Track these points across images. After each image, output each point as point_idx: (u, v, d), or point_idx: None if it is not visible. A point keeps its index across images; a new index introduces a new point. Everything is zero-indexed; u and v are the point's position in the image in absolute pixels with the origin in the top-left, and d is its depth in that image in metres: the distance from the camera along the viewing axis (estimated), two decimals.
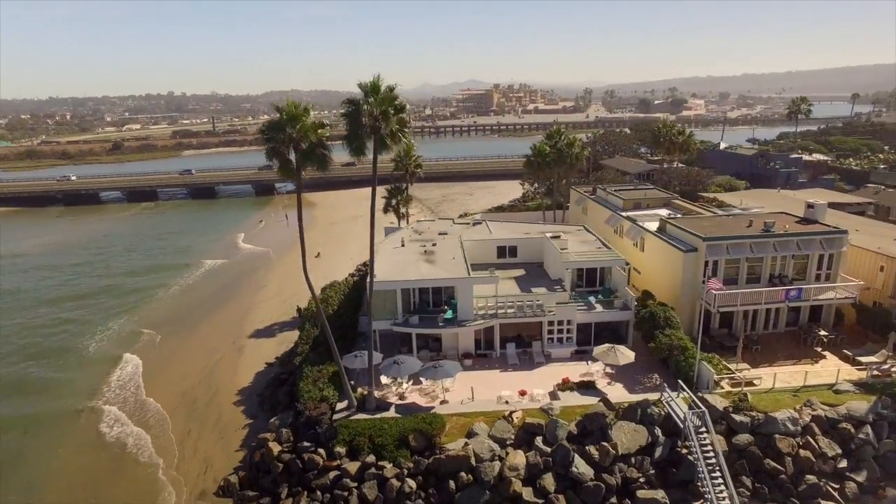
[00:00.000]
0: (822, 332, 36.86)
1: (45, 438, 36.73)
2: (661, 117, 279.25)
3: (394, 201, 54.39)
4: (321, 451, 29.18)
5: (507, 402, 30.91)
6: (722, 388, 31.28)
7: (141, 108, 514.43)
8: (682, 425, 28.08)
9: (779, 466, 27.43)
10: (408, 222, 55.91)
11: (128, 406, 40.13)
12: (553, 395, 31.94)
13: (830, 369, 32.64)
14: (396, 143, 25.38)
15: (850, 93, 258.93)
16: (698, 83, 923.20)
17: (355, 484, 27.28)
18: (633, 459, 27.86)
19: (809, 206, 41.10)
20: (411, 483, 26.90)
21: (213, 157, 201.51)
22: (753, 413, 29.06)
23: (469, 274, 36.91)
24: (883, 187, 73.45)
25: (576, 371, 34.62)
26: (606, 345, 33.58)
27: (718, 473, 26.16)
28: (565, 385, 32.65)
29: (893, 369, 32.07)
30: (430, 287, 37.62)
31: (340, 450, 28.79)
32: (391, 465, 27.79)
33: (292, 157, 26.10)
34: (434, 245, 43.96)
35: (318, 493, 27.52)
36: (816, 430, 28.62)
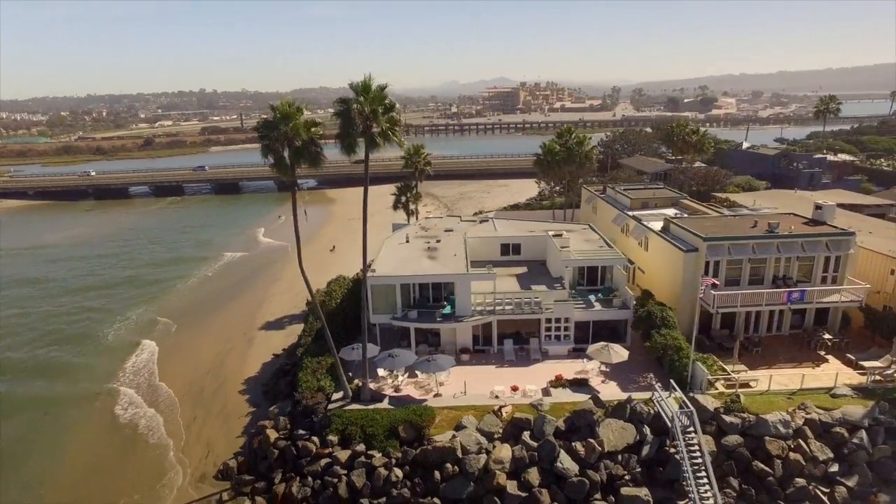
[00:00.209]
0: (827, 336, 36.25)
1: (64, 418, 38.80)
2: (688, 116, 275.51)
3: (403, 198, 55.01)
4: (315, 439, 30.11)
5: (497, 397, 31.33)
6: (716, 388, 31.15)
7: (173, 105, 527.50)
8: (670, 424, 28.09)
9: (767, 468, 27.23)
10: (417, 219, 56.54)
11: (141, 390, 41.99)
12: (545, 392, 32.22)
13: (829, 373, 32.14)
14: (387, 141, 25.99)
15: (890, 90, 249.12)
16: (731, 81, 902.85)
17: (345, 471, 28.08)
18: (619, 457, 27.98)
19: (817, 206, 40.35)
20: (398, 472, 27.58)
21: (239, 153, 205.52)
22: (744, 414, 28.87)
23: (468, 270, 37.37)
24: None
25: (572, 368, 34.79)
26: (600, 343, 33.68)
27: (704, 473, 26.16)
28: (558, 382, 32.88)
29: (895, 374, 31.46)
30: (430, 283, 38.15)
31: (333, 438, 29.66)
32: (380, 454, 28.52)
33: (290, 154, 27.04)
34: (438, 241, 44.52)
35: (310, 479, 28.43)
36: (809, 433, 28.31)
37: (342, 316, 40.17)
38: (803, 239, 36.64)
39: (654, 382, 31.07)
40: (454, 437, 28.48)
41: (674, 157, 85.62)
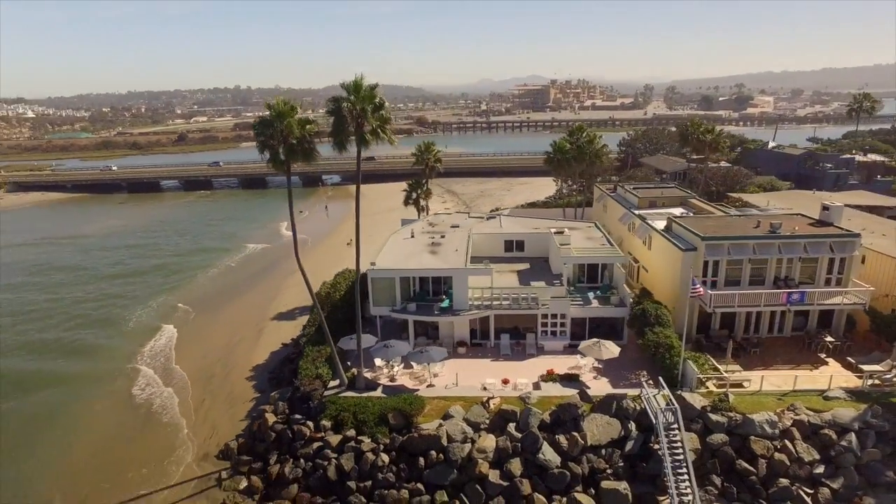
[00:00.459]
0: (829, 339, 35.75)
1: (86, 395, 41.36)
2: (721, 115, 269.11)
3: (413, 195, 56.01)
4: (310, 423, 31.37)
5: (485, 389, 32.02)
6: (707, 387, 31.18)
7: (209, 102, 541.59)
8: (654, 421, 28.33)
9: (750, 468, 27.26)
10: (427, 214, 57.48)
11: (158, 372, 44.24)
12: (536, 386, 32.76)
13: (826, 375, 31.81)
14: (378, 139, 26.93)
15: None
16: (771, 79, 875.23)
17: (335, 455, 29.24)
18: (603, 451, 28.39)
19: (824, 207, 39.69)
20: (384, 457, 28.58)
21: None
22: (731, 414, 28.89)
23: (466, 265, 38.10)
24: None
25: (566, 364, 35.14)
26: (592, 339, 34.01)
27: (685, 470, 26.39)
28: (549, 376, 33.39)
29: (895, 379, 30.94)
30: (430, 277, 39.04)
31: (326, 423, 30.86)
32: (369, 440, 29.57)
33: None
34: (443, 237, 45.35)
35: (302, 461, 29.71)
36: (796, 434, 28.17)
37: (345, 307, 41.36)
38: (806, 240, 36.16)
39: (643, 379, 31.29)
40: (441, 425, 29.32)
41: (695, 157, 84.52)
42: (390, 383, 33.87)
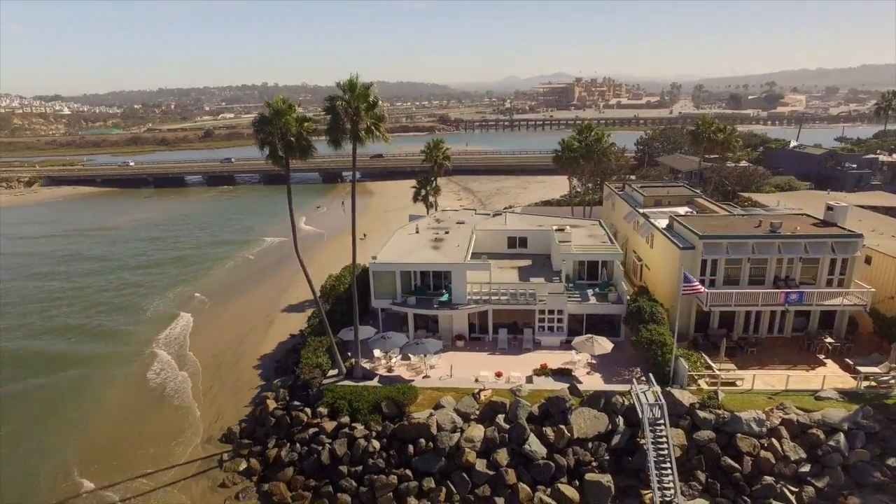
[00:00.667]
0: (828, 340, 35.47)
1: (105, 376, 43.64)
2: (749, 114, 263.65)
3: (423, 191, 56.87)
4: (307, 410, 32.58)
5: (476, 381, 32.73)
6: (698, 385, 31.34)
7: (236, 98, 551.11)
8: (640, 416, 28.69)
9: (735, 464, 27.43)
10: (436, 211, 58.26)
11: (173, 358, 46.17)
12: (528, 380, 33.31)
13: (821, 376, 31.66)
14: (372, 137, 27.86)
15: None
16: (806, 76, 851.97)
17: (329, 440, 30.33)
18: (589, 444, 28.87)
19: (829, 208, 39.27)
20: (376, 444, 29.56)
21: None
22: (720, 411, 29.05)
23: (465, 260, 38.83)
24: None
25: (561, 359, 35.65)
26: (585, 335, 34.44)
27: (669, 464, 26.74)
28: (542, 371, 33.92)
29: (893, 381, 30.67)
30: (431, 271, 39.89)
31: (323, 410, 31.99)
32: (363, 426, 30.58)
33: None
34: (447, 233, 46.16)
35: (298, 445, 30.90)
36: (784, 433, 28.22)
37: (349, 299, 42.37)
38: (806, 240, 35.91)
39: (635, 376, 31.62)
40: (431, 415, 30.16)
41: (712, 157, 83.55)
42: (387, 374, 34.82)
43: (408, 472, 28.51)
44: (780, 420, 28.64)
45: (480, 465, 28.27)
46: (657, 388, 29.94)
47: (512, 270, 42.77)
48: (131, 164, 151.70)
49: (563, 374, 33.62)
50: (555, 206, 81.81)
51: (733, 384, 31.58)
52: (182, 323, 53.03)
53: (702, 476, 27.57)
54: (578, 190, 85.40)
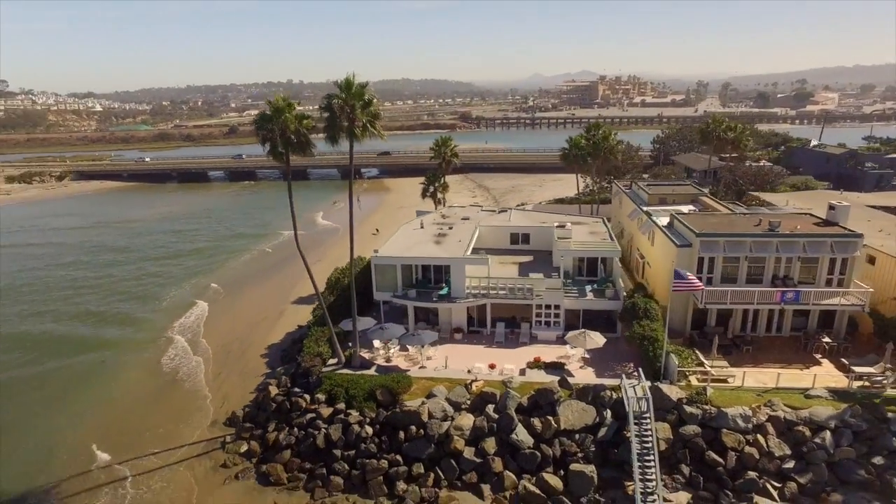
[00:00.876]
0: (826, 340, 35.37)
1: (122, 360, 45.80)
2: (777, 112, 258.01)
3: (431, 188, 57.83)
4: (306, 396, 33.85)
5: (468, 372, 33.58)
6: (689, 380, 31.68)
7: (262, 95, 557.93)
8: (627, 409, 29.19)
9: (719, 459, 27.78)
10: (444, 207, 59.19)
11: (187, 344, 48.04)
12: (521, 372, 34.06)
13: (811, 374, 31.70)
14: (367, 134, 28.88)
15: None
16: (842, 73, 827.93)
17: (325, 425, 31.52)
18: (576, 436, 29.49)
19: (831, 207, 39.01)
20: (368, 430, 30.65)
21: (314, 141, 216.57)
22: (707, 406, 29.40)
23: (464, 255, 39.66)
24: None
25: (556, 353, 36.20)
26: (578, 330, 34.99)
27: (652, 457, 27.22)
28: (535, 364, 34.60)
29: (885, 381, 30.58)
30: (431, 265, 40.85)
31: (321, 396, 33.22)
32: (357, 413, 31.72)
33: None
34: (450, 228, 47.05)
35: (296, 429, 32.17)
36: (770, 429, 28.43)
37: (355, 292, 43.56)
38: (805, 239, 35.81)
39: (625, 370, 32.08)
40: (423, 403, 31.12)
41: (728, 155, 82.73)
42: (385, 363, 35.90)
43: (398, 457, 29.54)
44: (766, 417, 28.87)
45: (468, 452, 29.16)
46: (645, 383, 30.38)
47: (513, 266, 43.45)
48: (147, 159, 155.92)
49: (555, 367, 34.25)
50: (566, 204, 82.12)
51: (724, 381, 31.86)
52: (197, 311, 55.04)
53: (686, 470, 28.01)
54: (591, 188, 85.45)
